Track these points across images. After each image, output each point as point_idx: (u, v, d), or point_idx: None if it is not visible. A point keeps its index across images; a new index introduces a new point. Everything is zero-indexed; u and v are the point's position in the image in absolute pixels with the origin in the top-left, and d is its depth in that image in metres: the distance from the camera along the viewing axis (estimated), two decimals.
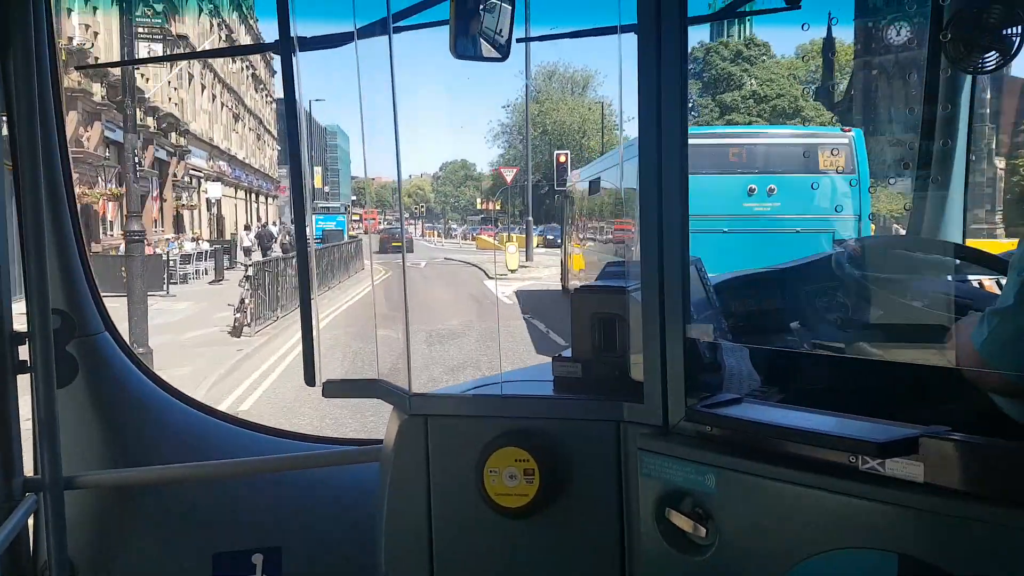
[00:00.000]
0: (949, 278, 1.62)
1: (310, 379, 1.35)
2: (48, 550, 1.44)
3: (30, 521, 1.46)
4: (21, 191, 1.40)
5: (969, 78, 1.76)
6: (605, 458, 1.18)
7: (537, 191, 50.77)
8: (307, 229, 1.36)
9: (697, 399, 1.09)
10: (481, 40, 1.29)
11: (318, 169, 60.19)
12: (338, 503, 1.71)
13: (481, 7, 1.27)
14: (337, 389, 1.36)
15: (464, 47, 1.27)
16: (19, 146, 1.39)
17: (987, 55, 1.44)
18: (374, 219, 67.25)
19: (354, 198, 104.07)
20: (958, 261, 1.68)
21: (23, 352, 1.43)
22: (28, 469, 1.47)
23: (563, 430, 1.20)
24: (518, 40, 1.37)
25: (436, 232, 52.07)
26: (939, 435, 0.92)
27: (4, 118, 1.42)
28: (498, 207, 66.88)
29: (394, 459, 1.28)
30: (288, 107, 1.30)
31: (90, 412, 1.63)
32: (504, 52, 1.33)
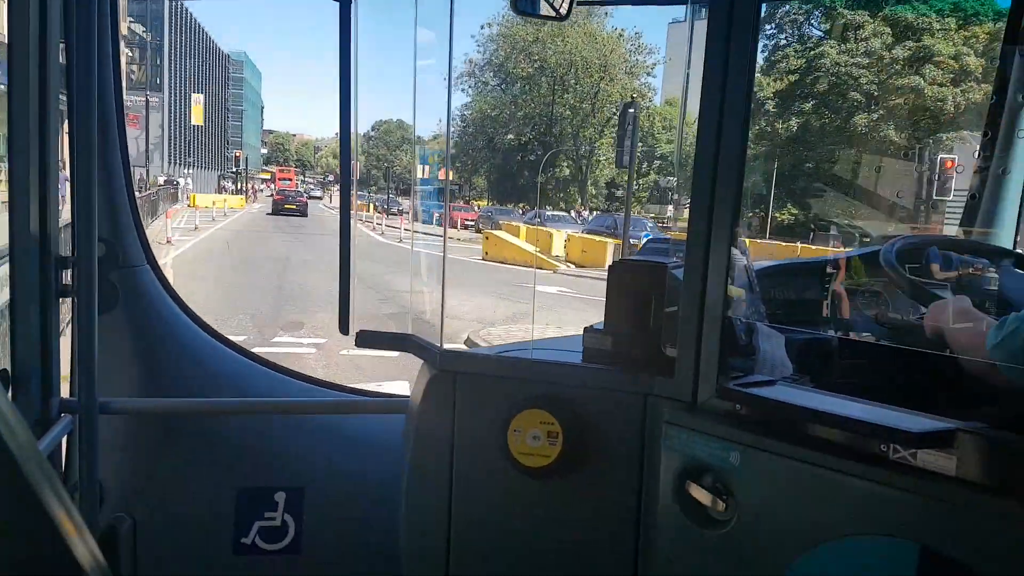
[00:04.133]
0: (991, 283, 1.86)
1: (344, 328, 1.69)
2: (80, 471, 1.77)
3: (63, 441, 1.81)
4: (74, 119, 1.72)
5: None
6: (630, 429, 1.46)
7: (521, 156, 45.29)
8: (352, 181, 1.71)
9: (728, 377, 1.35)
10: None
11: (198, 97, 54.99)
12: (364, 452, 2.06)
13: None
14: (370, 340, 1.68)
15: (524, 3, 1.57)
16: (75, 74, 1.71)
17: None
18: (289, 179, 64.12)
19: (264, 152, 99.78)
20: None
21: (66, 277, 1.77)
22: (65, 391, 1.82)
23: (591, 398, 1.49)
24: (579, 3, 1.66)
25: (373, 206, 43.85)
26: (975, 429, 1.12)
27: (63, 45, 1.72)
28: (452, 176, 63.28)
29: (420, 412, 1.58)
30: (343, 59, 1.60)
31: (128, 341, 1.99)
32: (565, 11, 1.62)
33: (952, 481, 1.11)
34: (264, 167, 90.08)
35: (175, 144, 55.39)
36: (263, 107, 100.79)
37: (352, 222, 1.72)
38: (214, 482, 2.00)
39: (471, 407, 1.54)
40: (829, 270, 1.96)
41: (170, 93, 53.86)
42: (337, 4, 1.58)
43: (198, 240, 21.64)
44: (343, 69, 1.60)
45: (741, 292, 1.49)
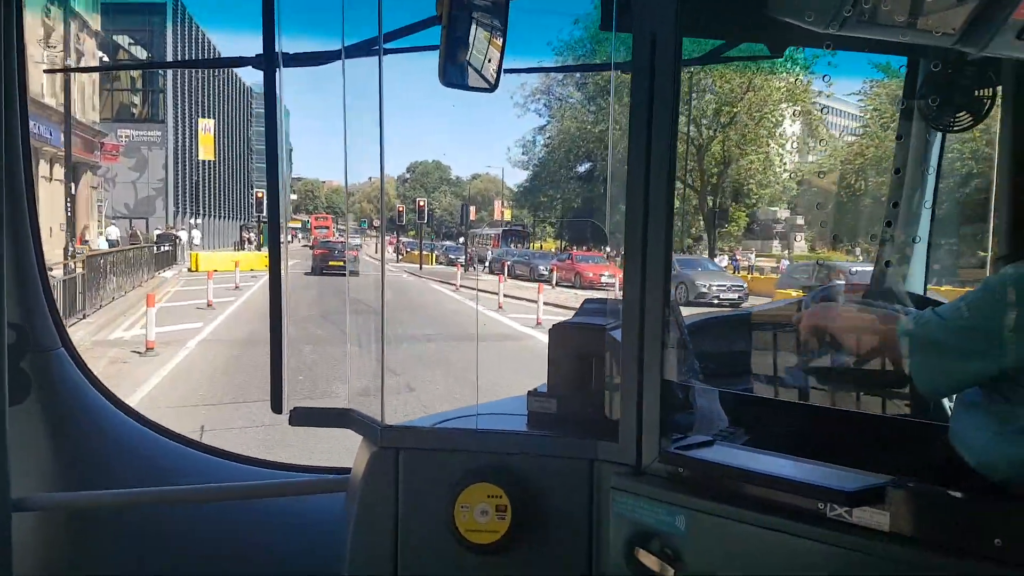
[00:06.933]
0: None
1: (277, 406, 1.81)
2: None
3: None
4: None
5: (940, 136, 2.36)
6: (577, 496, 1.63)
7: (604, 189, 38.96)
8: (281, 246, 1.88)
9: (670, 439, 1.54)
10: (470, 69, 1.74)
11: (207, 124, 49.67)
12: (301, 534, 2.13)
13: (472, 36, 1.71)
14: (305, 418, 1.82)
15: (453, 75, 1.72)
16: None
17: (959, 114, 2.10)
18: (327, 227, 59.32)
19: (294, 196, 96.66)
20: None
21: None
22: None
23: (536, 466, 1.65)
24: (507, 71, 1.84)
25: (436, 257, 36.63)
26: (905, 485, 1.31)
27: None
28: (508, 216, 57.68)
29: (362, 491, 1.72)
30: (268, 125, 1.81)
31: (43, 431, 2.10)
32: (493, 83, 1.79)
33: (887, 536, 1.28)
34: (294, 215, 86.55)
35: (183, 189, 50.13)
36: (291, 150, 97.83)
37: (285, 290, 1.85)
38: (138, 575, 2.12)
39: (416, 484, 1.67)
40: (758, 323, 2.24)
41: (176, 127, 48.84)
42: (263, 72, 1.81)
43: None
44: (269, 135, 1.80)
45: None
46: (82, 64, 30.21)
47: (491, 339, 14.93)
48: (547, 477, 1.62)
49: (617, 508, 1.53)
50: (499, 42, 1.75)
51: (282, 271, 1.82)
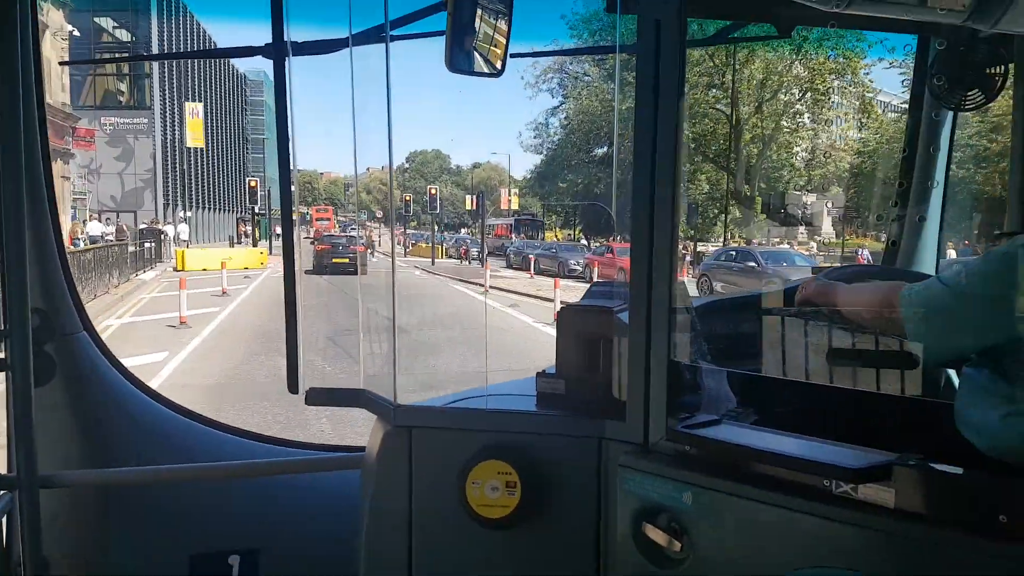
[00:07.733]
0: None
1: (293, 386, 1.88)
2: (23, 547, 1.95)
3: (4, 519, 2.02)
4: (2, 191, 1.94)
5: (951, 116, 2.41)
6: (586, 473, 1.71)
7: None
8: (293, 231, 1.94)
9: (677, 419, 1.61)
10: (476, 54, 1.76)
11: (195, 108, 47.61)
12: (318, 508, 2.26)
13: (477, 22, 1.74)
14: (320, 397, 1.89)
15: (459, 61, 1.73)
16: (1, 146, 1.95)
17: (970, 92, 2.11)
18: (328, 219, 58.39)
19: (293, 188, 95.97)
20: None
21: (0, 351, 1.98)
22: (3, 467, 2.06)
23: (546, 445, 1.73)
24: (512, 55, 1.87)
25: (455, 248, 37.05)
26: (910, 462, 1.35)
27: None
28: (516, 205, 56.75)
29: (377, 468, 1.80)
30: (280, 113, 1.84)
31: (67, 411, 2.20)
32: (499, 67, 1.83)
33: (892, 513, 1.33)
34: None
35: (172, 180, 48.94)
36: None
37: (297, 269, 1.92)
38: (165, 550, 2.18)
39: (428, 461, 1.75)
40: (766, 304, 2.22)
41: (164, 114, 47.53)
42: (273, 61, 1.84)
43: None
44: (280, 124, 1.85)
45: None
46: (48, 38, 28.24)
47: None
48: (556, 455, 1.71)
49: (625, 485, 1.61)
50: (504, 26, 1.77)
51: (296, 255, 1.92)
